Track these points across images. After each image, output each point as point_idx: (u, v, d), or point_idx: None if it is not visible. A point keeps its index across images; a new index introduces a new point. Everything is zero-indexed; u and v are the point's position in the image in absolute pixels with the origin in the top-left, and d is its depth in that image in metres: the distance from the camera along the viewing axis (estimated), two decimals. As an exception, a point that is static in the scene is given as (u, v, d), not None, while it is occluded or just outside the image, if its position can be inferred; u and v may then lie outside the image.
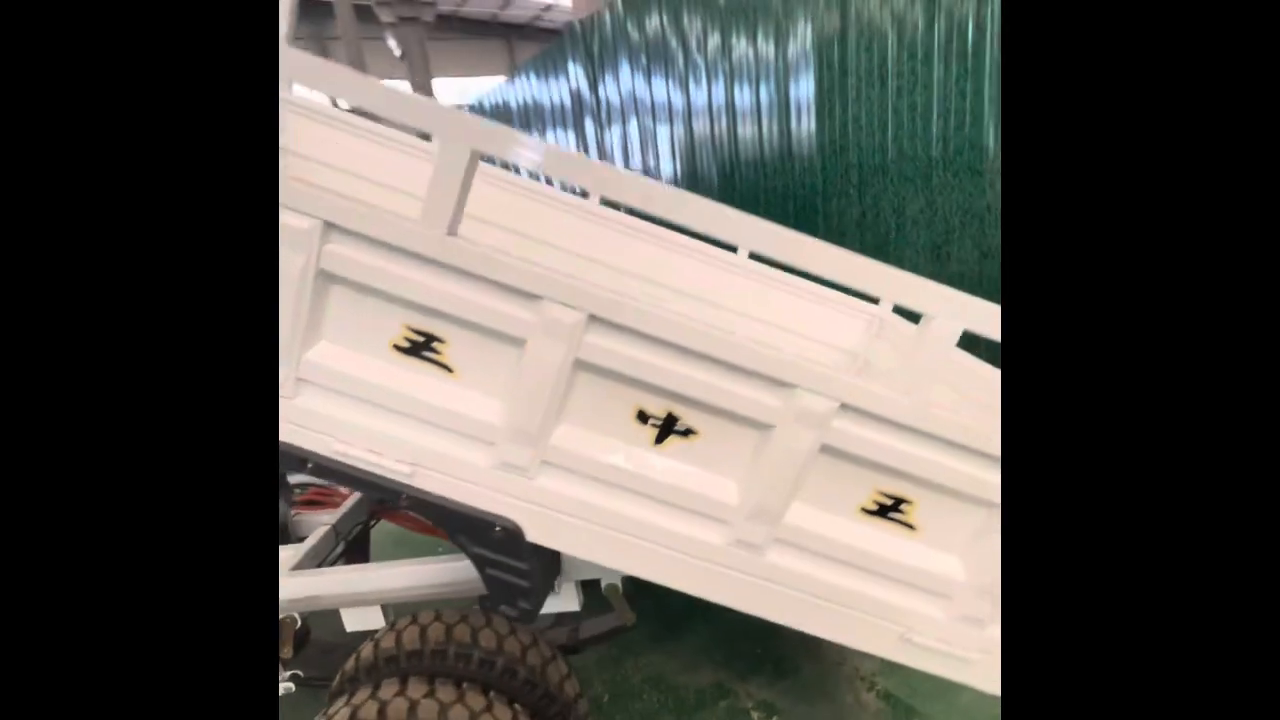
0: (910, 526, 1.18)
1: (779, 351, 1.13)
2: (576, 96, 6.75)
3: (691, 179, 5.05)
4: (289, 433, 1.16)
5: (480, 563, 1.29)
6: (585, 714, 1.71)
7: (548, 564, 1.27)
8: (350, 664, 1.53)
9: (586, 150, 6.89)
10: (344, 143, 2.88)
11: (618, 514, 1.16)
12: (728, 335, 1.12)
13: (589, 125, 6.67)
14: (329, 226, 1.05)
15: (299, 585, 1.68)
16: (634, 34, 5.44)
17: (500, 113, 8.90)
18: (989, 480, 1.12)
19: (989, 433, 1.11)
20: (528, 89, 7.84)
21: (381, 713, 1.31)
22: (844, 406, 1.08)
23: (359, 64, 15.06)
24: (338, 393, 1.16)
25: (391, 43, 13.16)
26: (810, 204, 4.38)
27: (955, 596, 1.18)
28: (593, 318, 1.06)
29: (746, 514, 1.13)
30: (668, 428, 1.14)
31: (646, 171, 5.74)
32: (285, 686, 1.65)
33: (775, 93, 4.31)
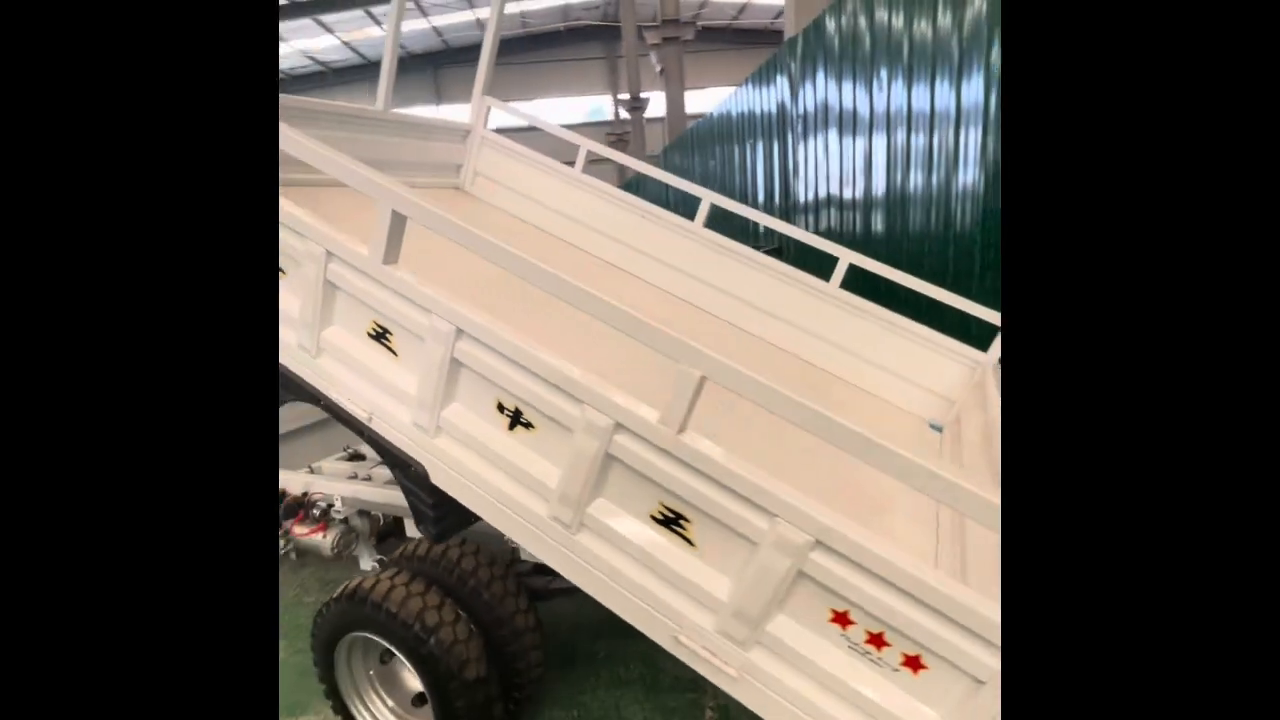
0: (690, 542, 1.33)
1: None
2: (780, 109, 6.86)
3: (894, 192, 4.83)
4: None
5: (403, 489, 1.80)
6: (538, 664, 2.11)
7: (459, 509, 1.69)
8: (396, 553, 2.17)
9: (783, 164, 6.95)
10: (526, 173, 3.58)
11: (486, 479, 1.54)
12: None
13: (789, 138, 6.74)
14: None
15: (353, 488, 2.41)
16: (834, 46, 5.40)
17: (722, 124, 9.33)
18: (754, 521, 1.23)
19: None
20: (746, 100, 8.13)
21: (387, 590, 1.89)
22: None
23: (636, 79, 17.00)
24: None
25: (653, 58, 14.48)
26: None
27: (719, 613, 1.30)
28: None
29: (558, 498, 1.41)
30: (516, 420, 1.48)
31: (841, 184, 5.64)
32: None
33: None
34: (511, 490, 1.49)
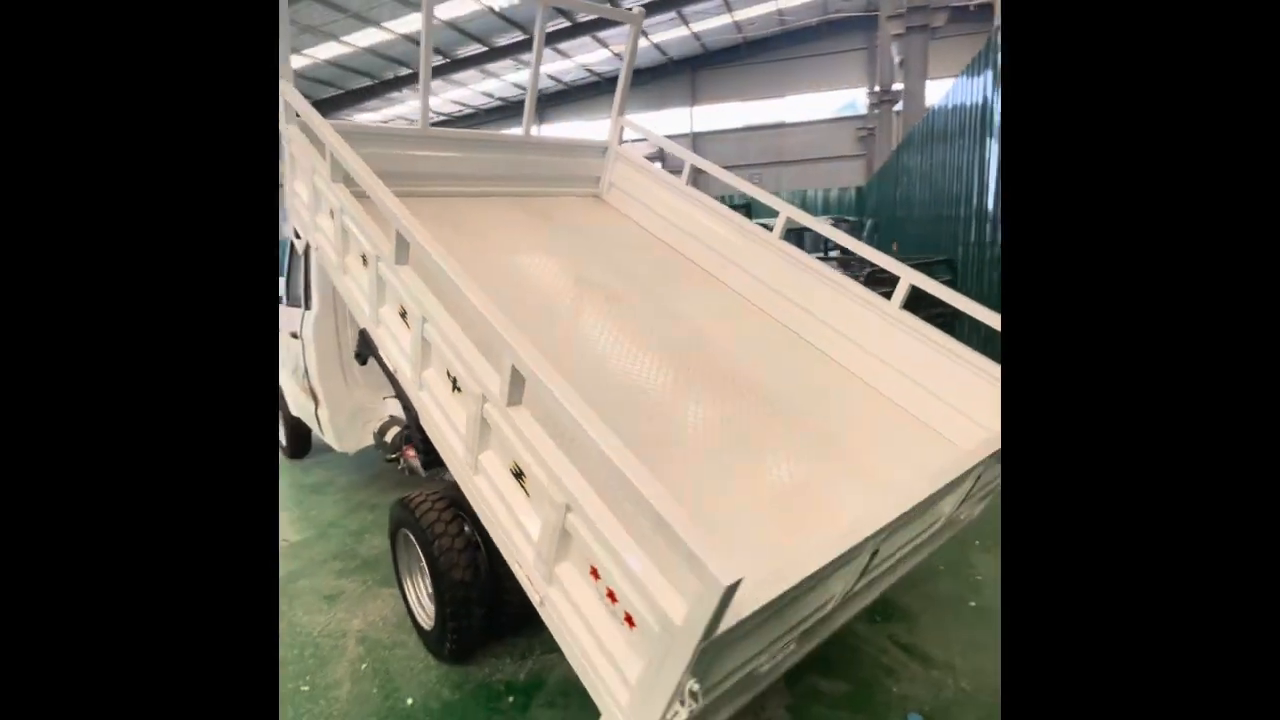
0: (526, 493, 1.70)
1: None
2: (984, 105, 6.16)
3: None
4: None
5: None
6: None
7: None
8: (446, 477, 2.89)
9: (981, 167, 6.23)
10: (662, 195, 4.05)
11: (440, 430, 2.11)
12: None
13: (987, 139, 6.04)
14: None
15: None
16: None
17: (939, 119, 8.52)
18: (544, 484, 1.57)
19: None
20: (959, 94, 7.38)
21: (419, 503, 2.60)
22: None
23: (889, 71, 15.98)
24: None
25: (894, 51, 13.54)
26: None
27: (533, 549, 1.65)
28: None
29: (464, 446, 1.90)
30: (455, 385, 2.01)
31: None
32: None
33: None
34: (449, 435, 2.03)
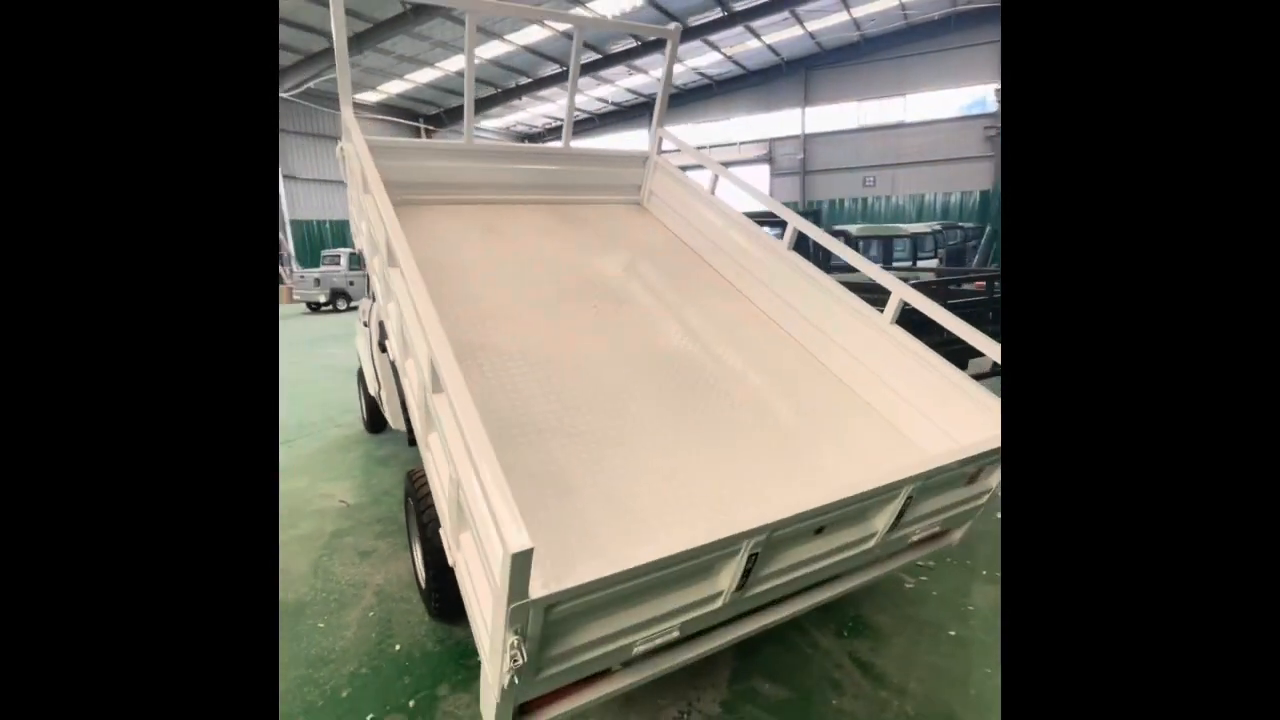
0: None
1: None
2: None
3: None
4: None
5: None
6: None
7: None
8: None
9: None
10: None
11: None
12: None
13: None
14: None
15: None
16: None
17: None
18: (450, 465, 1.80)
19: None
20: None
21: (419, 474, 2.95)
22: None
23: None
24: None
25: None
26: None
27: (449, 518, 1.90)
28: None
29: (423, 415, 2.20)
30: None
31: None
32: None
33: None
34: (415, 417, 2.34)
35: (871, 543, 2.19)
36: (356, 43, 16.47)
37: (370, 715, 2.43)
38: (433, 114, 25.41)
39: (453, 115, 25.18)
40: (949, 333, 2.58)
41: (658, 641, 1.82)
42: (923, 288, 5.18)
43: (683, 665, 2.04)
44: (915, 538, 2.38)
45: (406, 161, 3.76)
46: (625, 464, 2.38)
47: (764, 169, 26.41)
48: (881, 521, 2.15)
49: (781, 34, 21.60)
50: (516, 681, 1.48)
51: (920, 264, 9.87)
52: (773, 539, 1.79)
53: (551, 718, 1.81)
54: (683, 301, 3.54)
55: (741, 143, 26.67)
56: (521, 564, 1.26)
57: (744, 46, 22.52)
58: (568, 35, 19.11)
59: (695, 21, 19.13)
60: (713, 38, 20.72)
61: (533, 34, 18.79)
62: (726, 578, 1.84)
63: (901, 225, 12.03)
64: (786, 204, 23.44)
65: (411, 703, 2.49)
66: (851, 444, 2.73)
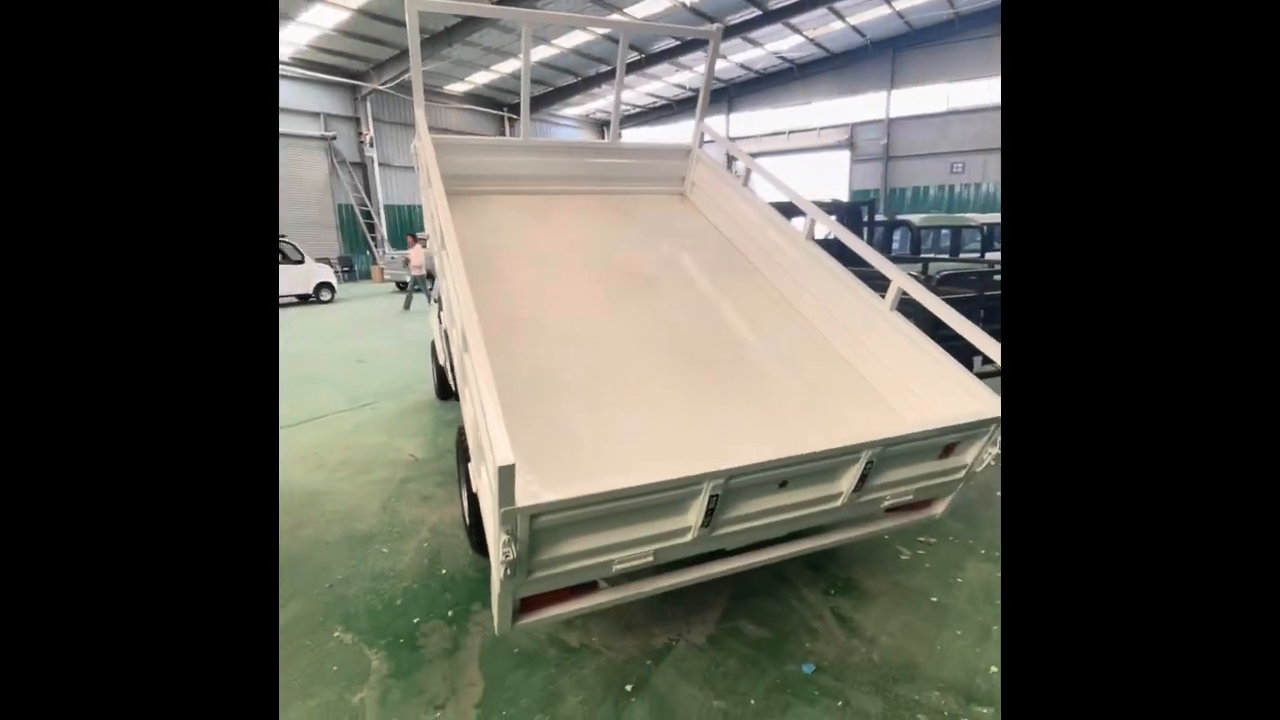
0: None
1: None
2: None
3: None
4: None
5: None
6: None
7: None
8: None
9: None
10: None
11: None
12: None
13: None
14: None
15: None
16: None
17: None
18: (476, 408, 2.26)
19: None
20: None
21: (463, 431, 3.48)
22: None
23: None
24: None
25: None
26: None
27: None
28: None
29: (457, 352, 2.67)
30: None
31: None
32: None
33: None
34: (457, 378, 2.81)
35: (838, 502, 2.47)
36: (446, 36, 17.45)
37: (416, 619, 2.97)
38: (515, 103, 26.42)
39: (534, 105, 26.07)
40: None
41: (635, 564, 2.20)
42: (958, 279, 5.22)
43: (664, 590, 2.42)
44: (887, 503, 2.63)
45: (469, 157, 4.27)
46: (629, 419, 2.77)
47: (844, 155, 25.73)
48: (845, 483, 2.43)
49: (867, 14, 20.92)
50: (509, 574, 1.91)
51: (990, 255, 9.58)
52: (732, 485, 2.13)
53: (546, 617, 2.24)
54: (711, 285, 3.86)
55: (821, 128, 26.06)
56: (506, 475, 1.67)
57: (827, 28, 21.98)
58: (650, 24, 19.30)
59: (774, 5, 18.86)
60: (795, 20, 20.37)
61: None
62: (693, 515, 2.19)
63: (972, 215, 11.61)
64: (867, 191, 22.47)
65: (450, 613, 3.00)
66: (844, 412, 2.99)
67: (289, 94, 19.60)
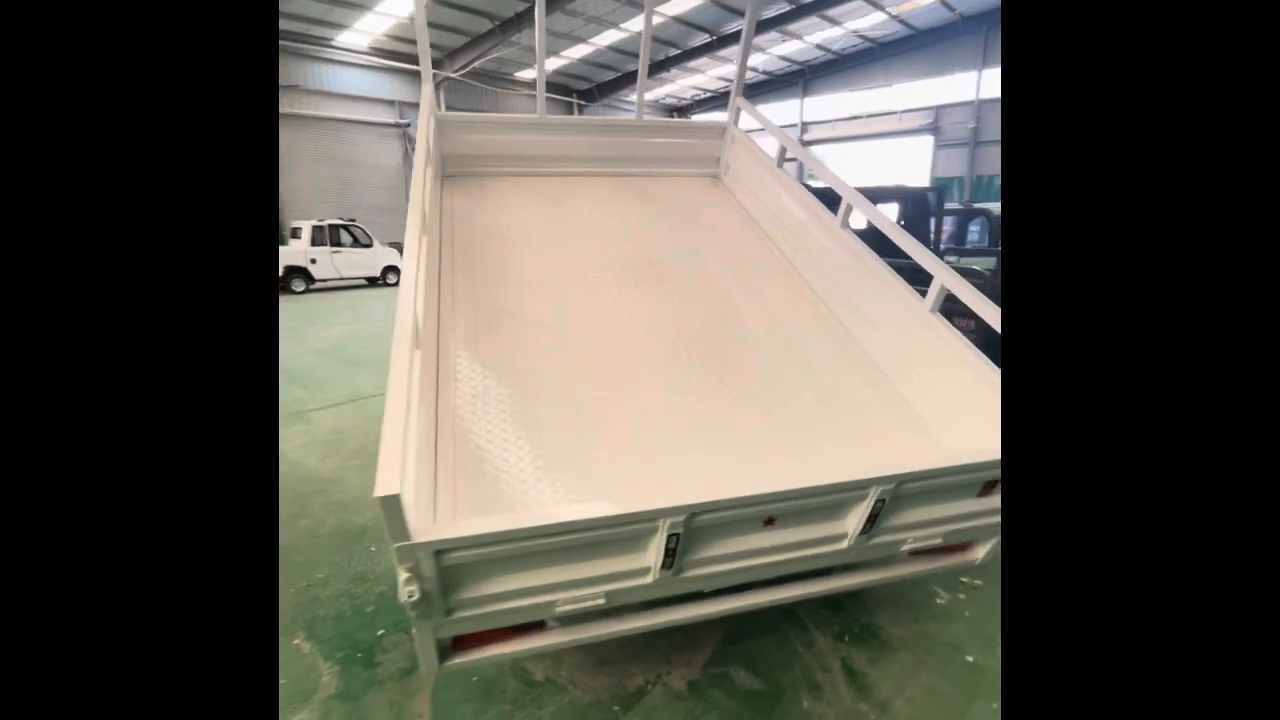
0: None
1: None
2: None
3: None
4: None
5: None
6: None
7: None
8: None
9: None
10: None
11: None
12: None
13: None
14: None
15: None
16: None
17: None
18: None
19: None
20: None
21: None
22: None
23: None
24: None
25: None
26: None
27: None
28: None
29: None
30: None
31: None
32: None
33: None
34: None
35: (842, 544, 2.04)
36: (516, 23, 17.46)
37: (382, 630, 2.76)
38: (584, 89, 26.30)
39: (604, 90, 25.86)
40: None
41: (584, 605, 1.87)
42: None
43: (631, 633, 2.08)
44: (907, 547, 2.18)
45: (480, 135, 4.00)
46: (611, 433, 2.42)
47: (927, 140, 24.08)
48: (851, 523, 2.00)
49: (956, -13, 19.36)
50: (420, 614, 1.63)
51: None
52: (697, 524, 1.76)
53: (485, 657, 1.94)
54: (732, 278, 3.44)
55: (903, 111, 24.49)
56: (390, 506, 1.38)
57: (913, 4, 20.51)
58: (720, 4, 18.70)
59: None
60: (876, -4, 19.12)
61: (682, 3, 18.61)
62: (653, 554, 1.83)
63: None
64: (949, 179, 21.04)
65: (418, 627, 2.78)
66: (870, 434, 2.53)
67: (365, 82, 20.22)
